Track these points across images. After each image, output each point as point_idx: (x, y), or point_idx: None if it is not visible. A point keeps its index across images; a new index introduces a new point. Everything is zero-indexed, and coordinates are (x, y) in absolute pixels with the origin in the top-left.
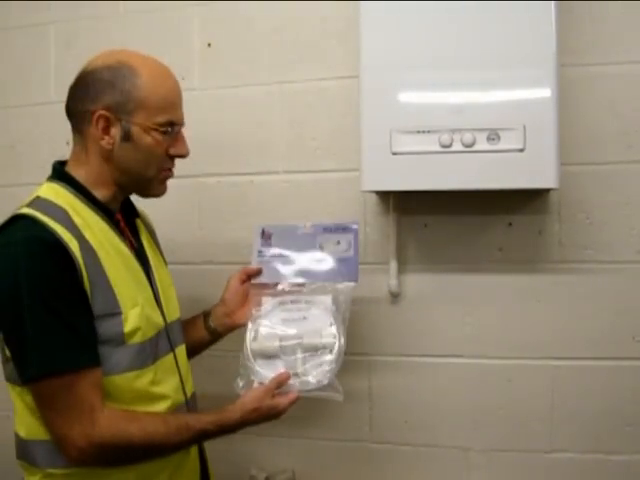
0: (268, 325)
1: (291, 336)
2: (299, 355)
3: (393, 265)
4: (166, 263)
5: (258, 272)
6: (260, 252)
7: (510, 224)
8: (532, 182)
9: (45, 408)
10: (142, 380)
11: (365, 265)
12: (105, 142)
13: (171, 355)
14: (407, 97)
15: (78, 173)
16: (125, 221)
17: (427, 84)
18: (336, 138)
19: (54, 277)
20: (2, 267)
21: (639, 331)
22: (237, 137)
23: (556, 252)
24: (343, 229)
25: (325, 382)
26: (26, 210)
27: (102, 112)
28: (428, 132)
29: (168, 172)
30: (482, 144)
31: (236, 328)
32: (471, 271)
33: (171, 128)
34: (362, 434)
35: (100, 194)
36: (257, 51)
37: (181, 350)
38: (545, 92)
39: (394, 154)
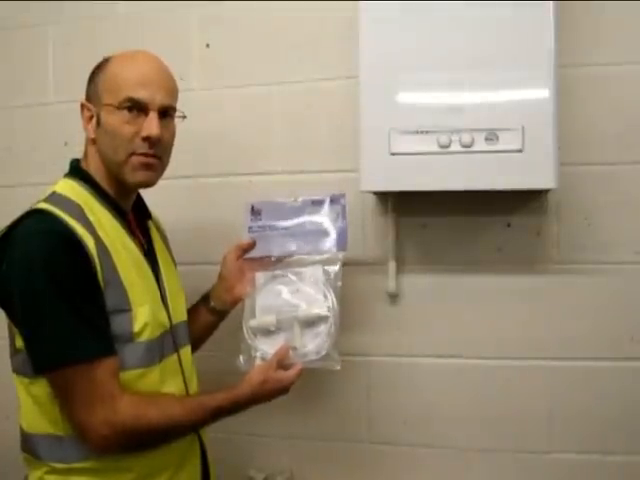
0: (263, 301)
1: (286, 310)
2: (296, 328)
3: (391, 265)
4: (176, 266)
5: (251, 245)
6: (250, 228)
7: (509, 225)
8: (531, 183)
9: (65, 398)
10: (148, 378)
11: (363, 265)
12: (88, 131)
13: (175, 356)
14: (406, 97)
15: (86, 166)
16: (137, 222)
17: (426, 84)
18: (335, 138)
19: (71, 269)
20: (19, 259)
21: (638, 332)
22: (236, 137)
23: (555, 253)
24: (332, 201)
25: (323, 352)
26: (43, 205)
27: (82, 102)
28: (427, 132)
29: (141, 157)
30: (480, 144)
31: (238, 302)
32: (470, 272)
33: (132, 104)
34: (361, 434)
35: (108, 187)
36: (256, 51)
37: (185, 352)
38: (544, 92)
39: (393, 154)
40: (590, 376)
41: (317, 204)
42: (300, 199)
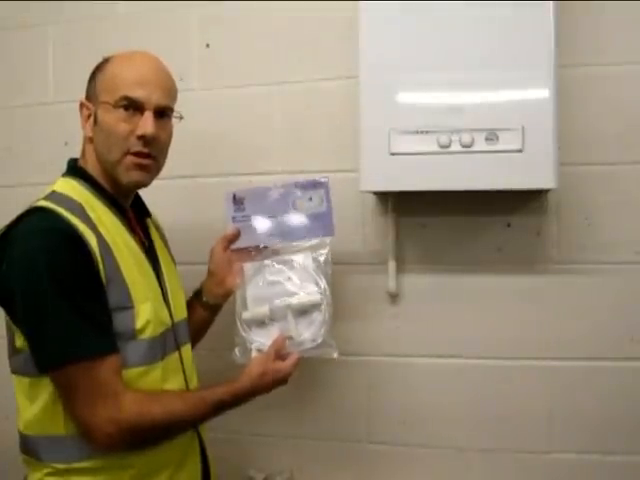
0: (254, 291)
1: (279, 300)
2: (290, 318)
3: (391, 265)
4: (175, 264)
5: (236, 235)
6: (234, 218)
7: (509, 225)
8: (530, 182)
9: (69, 397)
10: (150, 376)
11: (363, 265)
12: (86, 130)
13: (176, 354)
14: (406, 97)
15: (84, 165)
16: (136, 220)
17: (426, 84)
18: (335, 138)
19: (73, 267)
20: (20, 257)
21: (638, 332)
22: (236, 137)
23: (555, 253)
24: (314, 185)
25: (319, 340)
26: (43, 203)
27: (81, 101)
28: (427, 132)
29: (135, 157)
30: (480, 144)
31: (230, 295)
32: (469, 272)
33: (128, 103)
34: (360, 434)
35: (106, 185)
36: (256, 51)
37: (186, 350)
38: (544, 92)
39: (392, 154)
40: (590, 376)
41: (300, 189)
42: (282, 184)
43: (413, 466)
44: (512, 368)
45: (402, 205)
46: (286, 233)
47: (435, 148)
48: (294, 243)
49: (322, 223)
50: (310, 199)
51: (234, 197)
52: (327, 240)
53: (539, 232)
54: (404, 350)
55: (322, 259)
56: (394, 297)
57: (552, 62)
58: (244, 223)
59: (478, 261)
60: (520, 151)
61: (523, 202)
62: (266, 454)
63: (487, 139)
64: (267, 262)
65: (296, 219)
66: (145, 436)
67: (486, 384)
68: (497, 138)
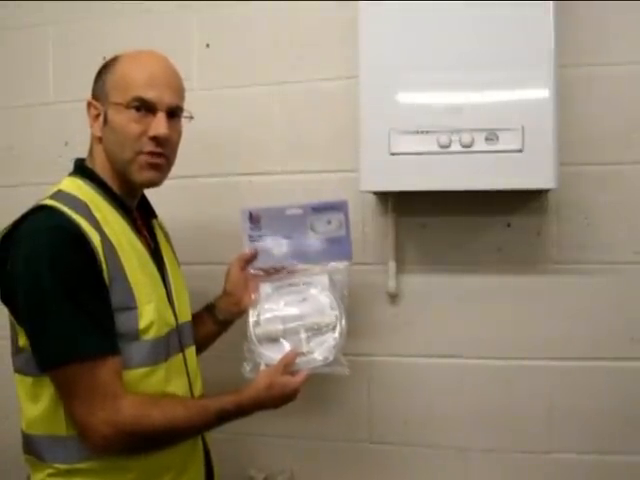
0: (269, 309)
1: (293, 318)
2: (303, 335)
3: (392, 265)
4: (179, 266)
5: (254, 256)
6: (250, 237)
7: (509, 225)
8: (530, 183)
9: (67, 397)
10: (153, 377)
11: (363, 265)
12: (94, 129)
13: (180, 355)
14: (406, 97)
15: (91, 165)
16: (142, 220)
17: (426, 84)
18: (335, 138)
19: (77, 266)
20: (25, 255)
21: (638, 332)
22: (236, 137)
23: (554, 253)
24: (332, 208)
25: (331, 358)
26: (49, 201)
27: (89, 100)
28: (427, 132)
29: (148, 156)
30: (480, 144)
31: (245, 313)
32: (469, 272)
33: (140, 104)
34: (361, 434)
35: (114, 186)
36: (256, 51)
37: (190, 352)
38: (544, 92)
39: (392, 154)
40: (590, 376)
41: (319, 211)
42: (301, 205)
43: (414, 466)
44: (512, 368)
45: (402, 205)
46: (303, 255)
47: (435, 148)
48: (312, 265)
49: (340, 247)
50: (329, 222)
51: (250, 215)
52: (345, 265)
53: (539, 232)
54: (404, 350)
55: (338, 282)
56: (394, 297)
57: (552, 62)
58: (260, 242)
59: (478, 261)
60: (520, 151)
61: (523, 202)
62: (267, 454)
63: (487, 139)
64: (283, 282)
65: (313, 242)
66: (143, 440)
67: (486, 384)
68: (497, 138)
